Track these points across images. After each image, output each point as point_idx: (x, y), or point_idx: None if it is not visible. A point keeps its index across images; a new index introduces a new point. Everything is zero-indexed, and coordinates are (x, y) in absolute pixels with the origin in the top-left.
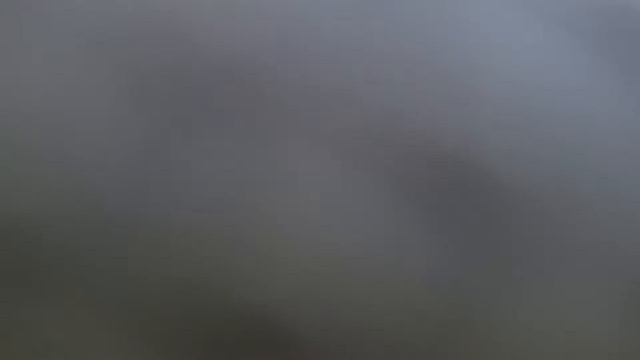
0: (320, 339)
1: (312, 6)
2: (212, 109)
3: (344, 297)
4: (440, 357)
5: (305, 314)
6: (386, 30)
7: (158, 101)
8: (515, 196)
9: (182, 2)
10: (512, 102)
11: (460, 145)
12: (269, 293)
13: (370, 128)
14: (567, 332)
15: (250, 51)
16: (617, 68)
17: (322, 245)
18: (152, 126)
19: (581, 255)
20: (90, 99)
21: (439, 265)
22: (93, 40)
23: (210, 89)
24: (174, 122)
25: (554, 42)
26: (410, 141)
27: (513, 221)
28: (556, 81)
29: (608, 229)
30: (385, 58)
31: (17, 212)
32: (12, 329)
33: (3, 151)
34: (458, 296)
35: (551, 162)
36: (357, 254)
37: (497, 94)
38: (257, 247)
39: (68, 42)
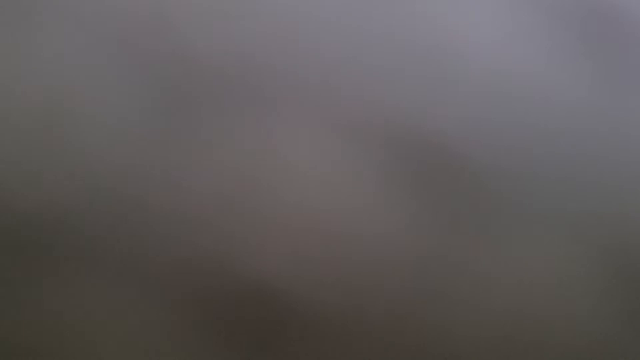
0: (319, 306)
1: (304, 3)
2: (214, 99)
3: (343, 269)
4: (419, 298)
5: (305, 280)
6: (373, 22)
7: (162, 93)
8: (487, 173)
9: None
10: (487, 90)
11: (438, 130)
12: (270, 266)
13: (359, 117)
14: (524, 275)
15: (250, 46)
16: (587, 54)
17: (321, 221)
18: (157, 116)
19: (550, 221)
20: (98, 94)
21: (421, 229)
22: (98, 37)
23: (212, 81)
24: (179, 112)
25: (532, 30)
26: (395, 127)
27: (485, 194)
28: (530, 68)
29: (572, 200)
30: (372, 50)
31: (38, 205)
32: (41, 308)
33: (17, 149)
34: (437, 253)
35: (523, 144)
36: (352, 227)
37: (473, 83)
38: (261, 224)
39: (73, 39)
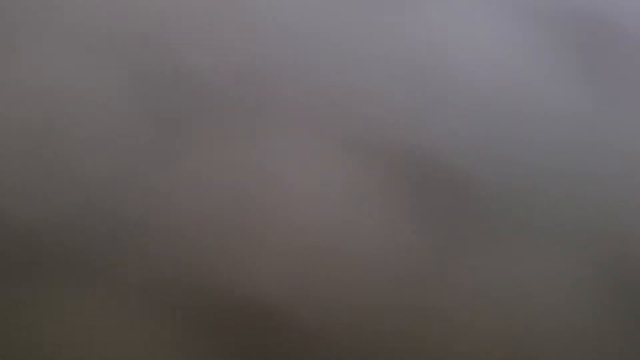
0: (314, 323)
1: (297, 16)
2: (209, 113)
3: (338, 285)
4: (416, 314)
5: (298, 296)
6: (371, 39)
7: (159, 104)
8: (486, 188)
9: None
10: (486, 106)
11: (436, 145)
12: (264, 279)
13: (357, 133)
14: (522, 291)
15: (246, 60)
16: (587, 70)
17: (317, 237)
18: (153, 127)
19: (549, 236)
20: (92, 108)
21: (419, 245)
22: (97, 47)
23: (207, 95)
24: (174, 124)
25: (531, 45)
26: (393, 143)
27: (483, 209)
28: (529, 83)
29: (571, 215)
30: (370, 65)
31: (34, 216)
32: (39, 316)
33: (13, 159)
34: (436, 269)
35: (522, 158)
36: (347, 243)
37: (472, 99)
38: (255, 236)
39: (68, 54)
